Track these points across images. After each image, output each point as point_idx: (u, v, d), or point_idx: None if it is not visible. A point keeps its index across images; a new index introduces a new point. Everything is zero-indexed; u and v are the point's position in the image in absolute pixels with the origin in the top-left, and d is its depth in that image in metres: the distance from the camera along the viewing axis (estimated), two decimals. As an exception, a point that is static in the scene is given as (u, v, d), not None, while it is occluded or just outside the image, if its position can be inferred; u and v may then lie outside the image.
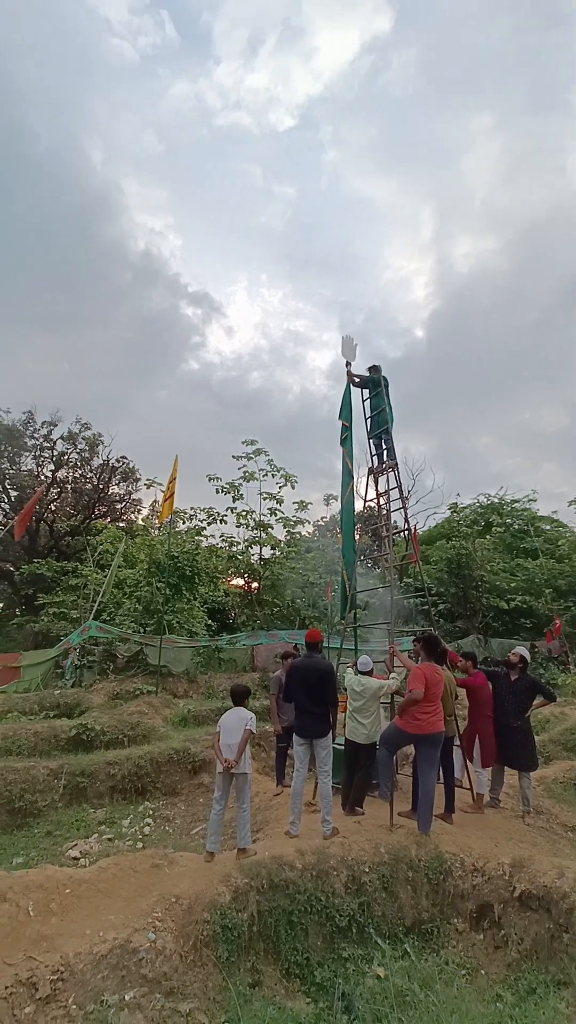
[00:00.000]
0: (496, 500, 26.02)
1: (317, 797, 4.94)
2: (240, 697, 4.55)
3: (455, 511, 24.80)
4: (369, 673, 5.45)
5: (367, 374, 8.00)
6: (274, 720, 6.26)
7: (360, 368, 8.14)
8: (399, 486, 7.50)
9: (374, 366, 7.97)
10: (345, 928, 3.68)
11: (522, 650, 5.82)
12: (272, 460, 18.08)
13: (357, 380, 7.92)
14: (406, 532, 9.42)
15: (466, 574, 20.09)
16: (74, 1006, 2.64)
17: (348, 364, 7.90)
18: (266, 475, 18.07)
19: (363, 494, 8.01)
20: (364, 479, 8.07)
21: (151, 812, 6.22)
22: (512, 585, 20.13)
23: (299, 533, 20.34)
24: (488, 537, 22.38)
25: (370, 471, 7.89)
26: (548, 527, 25.11)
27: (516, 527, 24.35)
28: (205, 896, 3.44)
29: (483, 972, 3.50)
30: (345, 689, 5.58)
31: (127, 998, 2.78)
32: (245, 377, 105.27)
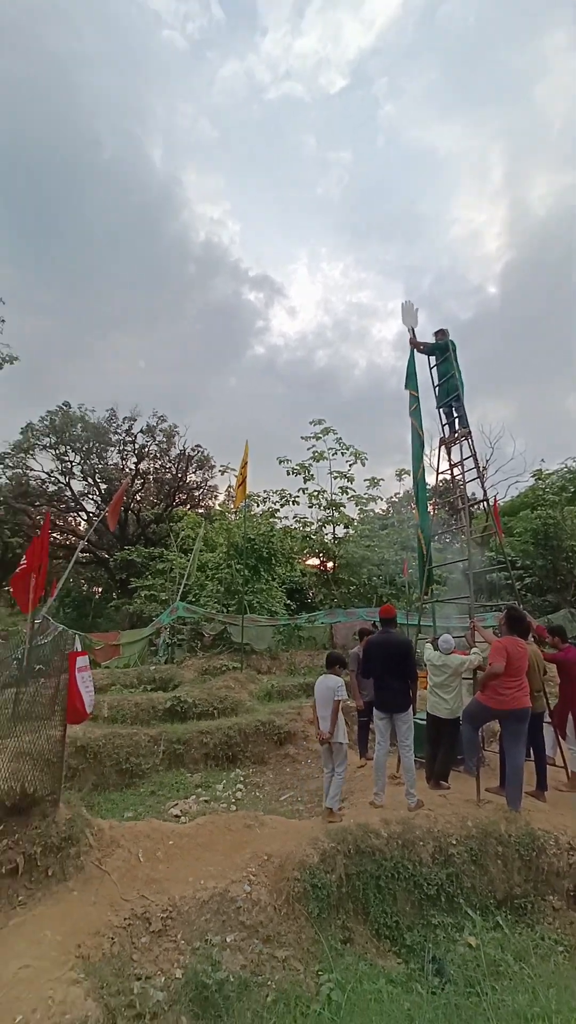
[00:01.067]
0: (587, 464, 23.80)
1: (400, 770, 4.99)
2: (330, 663, 4.74)
3: (540, 478, 23.04)
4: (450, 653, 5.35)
5: (433, 340, 7.63)
6: (355, 696, 6.34)
7: (428, 334, 7.79)
8: (474, 455, 7.13)
9: (440, 330, 7.57)
10: (434, 896, 3.73)
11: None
12: (340, 438, 17.92)
13: (422, 347, 7.58)
14: (485, 503, 8.95)
15: (555, 545, 18.72)
16: (183, 941, 2.95)
17: (411, 331, 7.59)
18: (335, 454, 17.97)
19: (435, 466, 7.70)
20: (436, 450, 7.73)
21: (242, 779, 6.62)
22: (609, 555, 18.43)
23: (372, 510, 20.08)
24: (579, 505, 20.60)
25: (442, 441, 7.57)
26: None
27: (611, 493, 22.14)
28: (295, 856, 3.64)
29: (583, 951, 3.39)
30: (425, 664, 5.52)
31: (228, 940, 3.05)
32: (311, 357, 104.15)
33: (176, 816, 5.44)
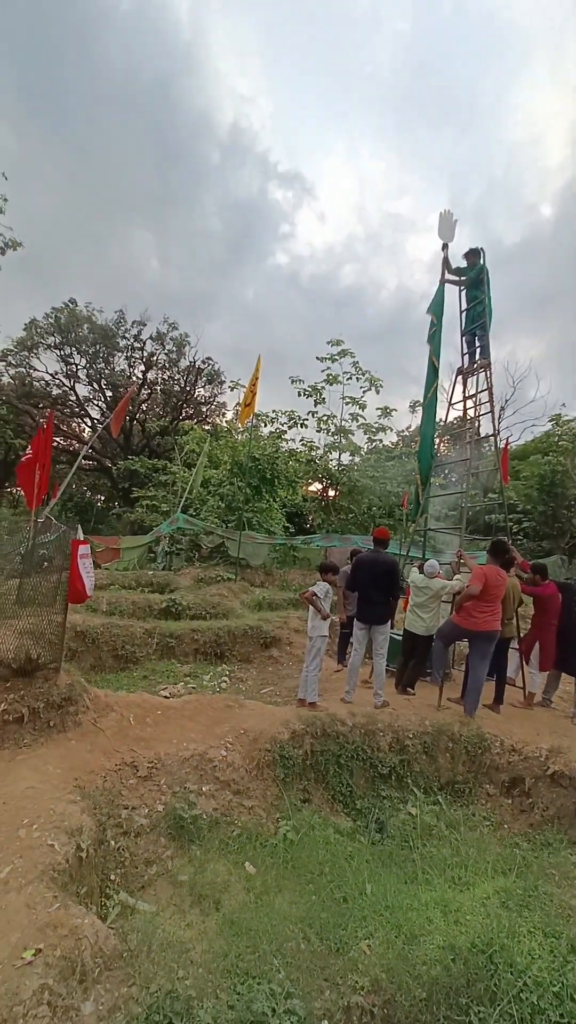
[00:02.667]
0: (609, 413, 23.15)
1: (372, 676, 5.45)
2: (321, 571, 5.09)
3: (557, 423, 22.54)
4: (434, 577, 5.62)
5: (464, 262, 7.17)
6: (340, 609, 6.76)
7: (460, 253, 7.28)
8: (489, 388, 6.98)
9: (472, 250, 7.08)
10: (386, 775, 4.26)
11: (599, 565, 5.60)
12: (357, 362, 17.31)
13: (452, 268, 7.14)
14: (494, 440, 8.89)
15: (559, 492, 18.80)
16: (165, 786, 3.43)
17: (445, 246, 7.10)
18: (350, 378, 17.46)
19: (449, 397, 7.55)
20: (452, 380, 7.53)
21: (228, 673, 7.23)
22: (611, 507, 18.54)
23: (380, 441, 19.89)
24: (592, 454, 20.33)
25: (459, 371, 7.37)
26: None
27: (630, 444, 21.73)
28: (268, 732, 4.12)
29: (506, 827, 3.95)
30: (409, 585, 5.83)
31: (204, 789, 3.54)
32: (337, 272, 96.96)
33: (166, 697, 6.01)
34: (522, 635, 5.98)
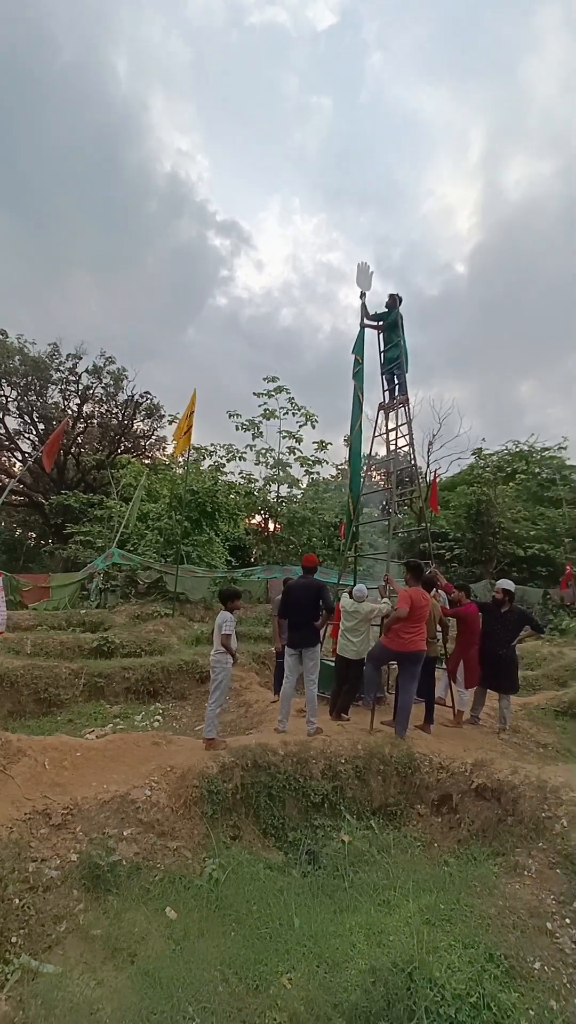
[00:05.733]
0: (525, 448, 25.27)
1: (305, 703, 5.43)
2: (222, 598, 4.95)
3: (480, 456, 24.28)
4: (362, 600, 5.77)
5: (387, 301, 7.78)
6: (275, 639, 6.73)
7: (381, 300, 7.89)
8: (408, 422, 7.46)
9: (393, 295, 7.71)
10: (319, 804, 4.20)
11: (505, 583, 6.02)
12: (293, 398, 17.94)
13: (370, 313, 7.73)
14: (414, 467, 9.42)
15: (484, 520, 20.05)
16: (81, 833, 3.20)
17: (363, 295, 7.67)
18: (287, 413, 18.02)
19: (373, 430, 8.00)
20: (376, 415, 8.01)
21: (161, 711, 6.92)
22: (532, 534, 19.98)
23: (318, 473, 20.45)
24: (512, 485, 22.00)
25: (381, 406, 7.85)
26: (577, 476, 24.36)
27: (543, 476, 23.74)
28: (196, 768, 3.96)
29: (436, 846, 3.99)
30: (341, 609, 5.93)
31: (125, 833, 3.33)
32: (275, 314, 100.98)
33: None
34: (448, 654, 6.22)
